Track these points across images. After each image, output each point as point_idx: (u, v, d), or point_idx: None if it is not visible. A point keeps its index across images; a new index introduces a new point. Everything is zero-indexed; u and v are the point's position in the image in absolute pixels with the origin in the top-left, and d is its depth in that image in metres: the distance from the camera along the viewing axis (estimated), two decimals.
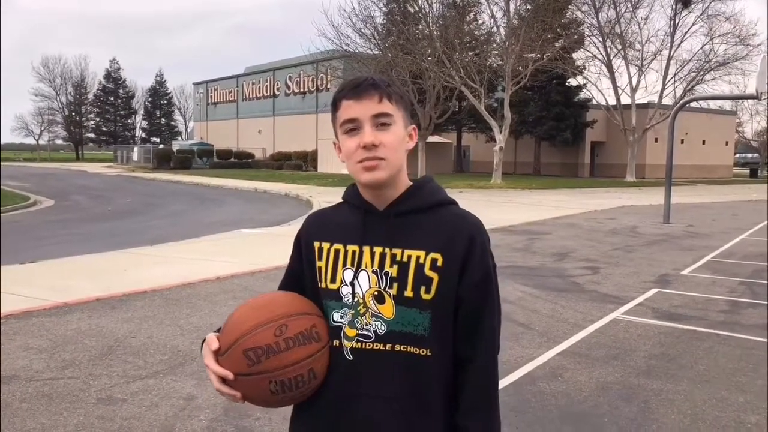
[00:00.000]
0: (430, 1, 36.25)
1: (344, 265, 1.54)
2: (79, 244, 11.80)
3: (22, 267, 9.09)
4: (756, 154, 73.05)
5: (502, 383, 4.62)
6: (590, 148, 49.52)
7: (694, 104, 44.58)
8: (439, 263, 1.49)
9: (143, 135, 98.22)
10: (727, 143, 56.77)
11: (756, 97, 15.74)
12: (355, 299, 1.51)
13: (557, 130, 45.69)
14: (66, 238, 13.30)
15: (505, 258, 10.55)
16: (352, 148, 1.50)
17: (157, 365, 5.06)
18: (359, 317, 1.51)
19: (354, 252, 1.53)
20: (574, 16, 41.91)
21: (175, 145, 61.80)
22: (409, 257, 1.50)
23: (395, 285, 1.49)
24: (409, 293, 1.49)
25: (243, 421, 4.05)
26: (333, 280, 1.54)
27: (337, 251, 1.55)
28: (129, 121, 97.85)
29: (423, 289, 1.48)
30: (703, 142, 52.08)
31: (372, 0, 36.93)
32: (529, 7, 36.47)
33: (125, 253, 10.55)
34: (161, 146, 69.21)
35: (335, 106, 1.54)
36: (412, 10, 37.40)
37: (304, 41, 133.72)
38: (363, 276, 1.51)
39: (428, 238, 1.51)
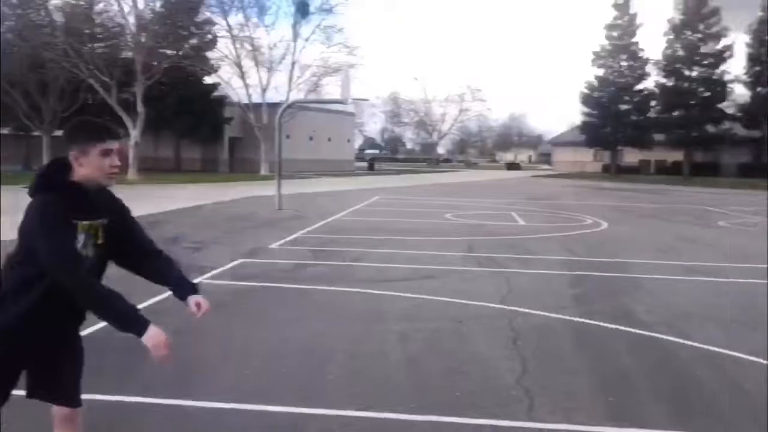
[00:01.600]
0: None
1: None
2: None
3: None
4: (376, 150, 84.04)
5: None
6: (229, 144, 51.90)
7: (321, 105, 50.05)
8: None
9: None
10: (348, 140, 64.64)
11: (343, 101, 19.09)
12: None
13: (196, 126, 46.81)
14: None
15: None
16: (107, 164, 2.52)
17: None
18: None
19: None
20: (207, 16, 43.55)
21: None
22: None
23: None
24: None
25: None
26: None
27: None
28: None
29: None
30: (329, 140, 58.57)
31: None
32: (159, 3, 36.89)
33: None
34: None
35: (101, 139, 2.52)
36: None
37: None
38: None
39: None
